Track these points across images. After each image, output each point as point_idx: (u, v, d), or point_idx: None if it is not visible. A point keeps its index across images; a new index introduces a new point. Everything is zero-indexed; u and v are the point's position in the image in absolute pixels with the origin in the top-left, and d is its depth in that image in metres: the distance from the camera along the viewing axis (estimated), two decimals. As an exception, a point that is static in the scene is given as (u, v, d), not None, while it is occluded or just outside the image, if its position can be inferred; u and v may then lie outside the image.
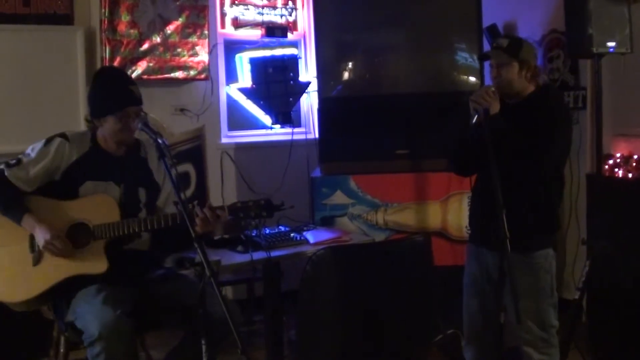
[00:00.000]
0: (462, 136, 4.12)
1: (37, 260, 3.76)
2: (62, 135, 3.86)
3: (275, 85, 6.68)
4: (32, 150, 3.82)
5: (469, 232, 4.42)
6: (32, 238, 3.77)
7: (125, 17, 5.83)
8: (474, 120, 3.86)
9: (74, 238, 3.75)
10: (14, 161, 3.79)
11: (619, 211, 4.95)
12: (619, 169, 5.56)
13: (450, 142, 4.30)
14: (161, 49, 6.05)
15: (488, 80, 5.35)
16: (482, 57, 4.09)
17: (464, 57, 5.95)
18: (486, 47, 6.06)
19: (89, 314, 3.56)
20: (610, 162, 5.60)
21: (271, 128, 6.89)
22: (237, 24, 6.76)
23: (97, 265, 3.71)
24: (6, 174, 3.75)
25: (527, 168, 3.86)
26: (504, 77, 3.96)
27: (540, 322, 4.01)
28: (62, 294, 3.77)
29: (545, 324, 4.04)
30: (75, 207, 3.78)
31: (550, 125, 3.87)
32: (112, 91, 3.88)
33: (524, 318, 3.69)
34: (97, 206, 3.77)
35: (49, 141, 3.83)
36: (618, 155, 5.61)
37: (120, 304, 3.57)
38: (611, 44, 5.22)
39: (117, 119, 3.80)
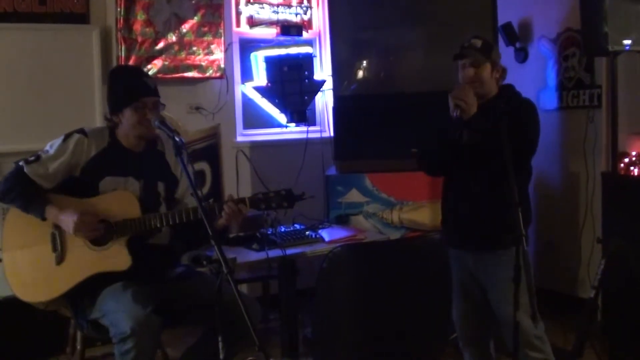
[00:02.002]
0: (440, 136, 4.13)
1: (59, 260, 3.78)
2: (81, 131, 3.87)
3: (290, 84, 6.68)
4: (51, 146, 3.84)
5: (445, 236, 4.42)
6: (53, 237, 3.79)
7: (140, 16, 5.85)
8: (456, 115, 3.88)
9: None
10: (32, 157, 3.79)
11: (634, 210, 4.94)
12: (635, 168, 5.54)
13: (425, 141, 4.32)
14: (176, 47, 6.07)
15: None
16: (456, 57, 4.09)
17: (479, 55, 5.94)
18: (501, 45, 6.07)
19: (119, 312, 3.58)
20: (626, 160, 5.58)
21: (286, 126, 6.90)
22: (252, 22, 6.77)
23: (121, 262, 3.73)
24: (26, 170, 3.76)
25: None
26: (479, 76, 3.99)
27: (532, 319, 3.99)
28: (86, 292, 3.79)
29: (536, 321, 4.04)
30: (96, 204, 3.79)
31: (524, 120, 3.96)
32: (126, 84, 3.91)
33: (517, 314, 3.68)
34: (118, 202, 3.79)
35: (67, 137, 3.85)
36: (634, 153, 5.59)
37: (148, 301, 3.60)
38: (627, 41, 5.19)
39: (133, 111, 3.82)
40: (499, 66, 4.08)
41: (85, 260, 3.74)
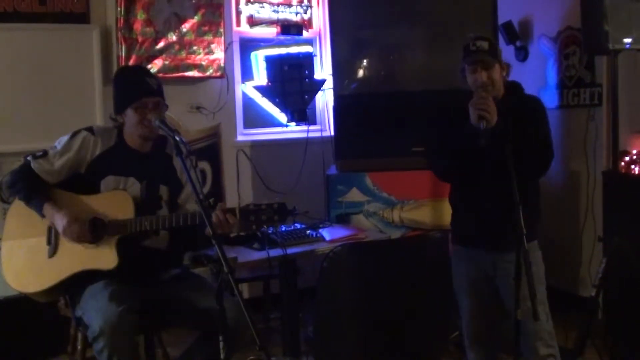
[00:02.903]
0: (452, 143, 4.09)
1: (52, 253, 3.81)
2: (89, 129, 3.91)
3: (291, 83, 6.69)
4: (59, 143, 3.88)
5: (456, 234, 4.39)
6: (49, 230, 3.82)
7: (141, 16, 5.85)
8: (482, 126, 3.82)
9: (91, 232, 3.77)
10: (40, 153, 3.85)
11: (635, 208, 4.94)
12: (635, 166, 5.54)
13: (434, 148, 4.29)
14: (177, 47, 6.07)
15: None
16: (468, 63, 4.05)
17: (480, 54, 5.93)
18: (501, 43, 6.07)
19: (93, 310, 3.60)
20: (627, 159, 5.58)
21: (287, 126, 6.89)
22: (253, 21, 6.77)
23: (108, 260, 3.73)
24: (32, 165, 3.82)
25: (532, 165, 3.90)
26: (492, 78, 3.96)
27: (546, 314, 4.01)
28: (74, 287, 3.81)
29: (548, 316, 4.05)
30: (92, 202, 3.81)
31: (540, 121, 3.99)
32: (128, 84, 3.94)
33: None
34: (114, 202, 3.80)
35: (74, 134, 3.88)
36: (634, 152, 5.59)
37: (125, 301, 3.59)
38: (627, 40, 5.19)
39: (134, 111, 3.83)
40: (504, 64, 4.06)
41: (75, 256, 3.77)
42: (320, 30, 7.15)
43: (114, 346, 3.48)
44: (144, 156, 3.97)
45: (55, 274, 3.78)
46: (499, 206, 3.92)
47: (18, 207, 3.89)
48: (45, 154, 3.84)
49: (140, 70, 4.19)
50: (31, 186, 3.80)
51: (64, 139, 3.88)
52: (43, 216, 3.79)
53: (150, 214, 3.81)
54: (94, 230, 3.77)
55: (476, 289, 4.22)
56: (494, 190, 3.96)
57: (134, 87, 3.87)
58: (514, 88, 4.13)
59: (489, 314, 4.22)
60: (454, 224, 4.34)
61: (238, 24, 6.72)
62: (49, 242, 3.83)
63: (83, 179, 3.86)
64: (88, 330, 3.61)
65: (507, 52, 5.81)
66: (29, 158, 3.85)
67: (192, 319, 3.87)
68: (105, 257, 3.74)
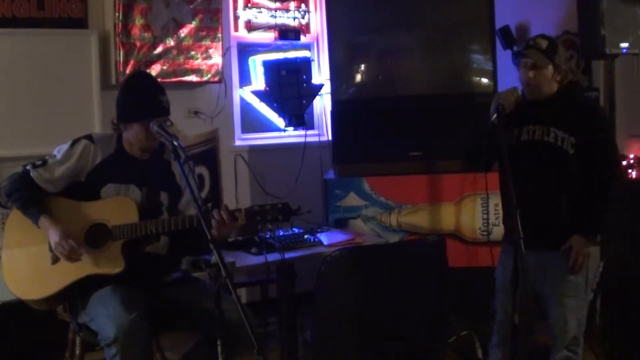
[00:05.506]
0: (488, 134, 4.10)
1: (55, 259, 3.78)
2: (88, 137, 3.88)
3: (289, 88, 6.70)
4: (58, 151, 3.84)
5: (503, 233, 4.42)
6: None
7: (139, 21, 5.84)
8: (493, 118, 3.85)
9: (93, 238, 3.76)
10: (40, 162, 3.81)
11: (632, 212, 4.95)
12: (632, 170, 5.56)
13: (479, 140, 4.28)
14: (175, 52, 6.06)
15: (501, 82, 5.39)
16: (518, 55, 4.06)
17: (477, 58, 5.95)
18: (499, 48, 6.08)
19: (105, 316, 3.58)
20: (624, 163, 5.59)
21: (284, 130, 6.90)
22: (250, 26, 6.77)
23: (114, 265, 3.72)
24: (32, 175, 3.77)
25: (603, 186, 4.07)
26: (539, 79, 3.97)
27: (578, 320, 4.03)
28: (78, 294, 3.79)
29: (580, 322, 4.06)
30: (94, 208, 3.80)
31: (602, 138, 4.06)
32: (141, 99, 3.87)
33: (563, 315, 3.74)
34: (116, 207, 3.79)
35: (74, 143, 3.85)
36: (631, 156, 5.61)
37: (135, 306, 3.59)
38: (624, 44, 5.21)
39: (142, 127, 3.80)
40: (561, 69, 4.04)
41: (79, 262, 3.73)
42: (317, 35, 7.16)
43: (127, 353, 3.49)
44: (143, 163, 3.96)
45: (58, 281, 3.76)
46: (539, 204, 3.93)
47: (17, 215, 3.85)
48: (44, 163, 3.80)
49: (154, 86, 4.05)
50: (28, 197, 3.77)
51: (64, 147, 3.85)
52: (39, 227, 3.76)
53: (151, 219, 3.79)
54: (95, 236, 3.77)
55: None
56: (531, 188, 3.97)
57: (147, 106, 3.83)
58: (571, 87, 4.14)
59: (523, 316, 4.21)
60: (503, 223, 4.40)
61: (236, 29, 6.72)
62: (51, 249, 3.78)
63: (83, 186, 3.84)
64: (99, 336, 3.61)
65: (504, 56, 5.82)
66: (28, 167, 3.80)
67: (195, 321, 3.86)
68: (110, 262, 3.73)
